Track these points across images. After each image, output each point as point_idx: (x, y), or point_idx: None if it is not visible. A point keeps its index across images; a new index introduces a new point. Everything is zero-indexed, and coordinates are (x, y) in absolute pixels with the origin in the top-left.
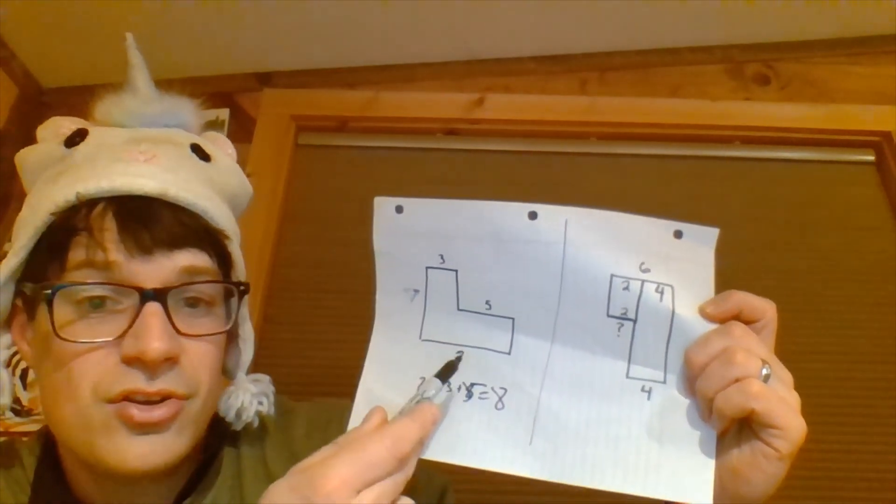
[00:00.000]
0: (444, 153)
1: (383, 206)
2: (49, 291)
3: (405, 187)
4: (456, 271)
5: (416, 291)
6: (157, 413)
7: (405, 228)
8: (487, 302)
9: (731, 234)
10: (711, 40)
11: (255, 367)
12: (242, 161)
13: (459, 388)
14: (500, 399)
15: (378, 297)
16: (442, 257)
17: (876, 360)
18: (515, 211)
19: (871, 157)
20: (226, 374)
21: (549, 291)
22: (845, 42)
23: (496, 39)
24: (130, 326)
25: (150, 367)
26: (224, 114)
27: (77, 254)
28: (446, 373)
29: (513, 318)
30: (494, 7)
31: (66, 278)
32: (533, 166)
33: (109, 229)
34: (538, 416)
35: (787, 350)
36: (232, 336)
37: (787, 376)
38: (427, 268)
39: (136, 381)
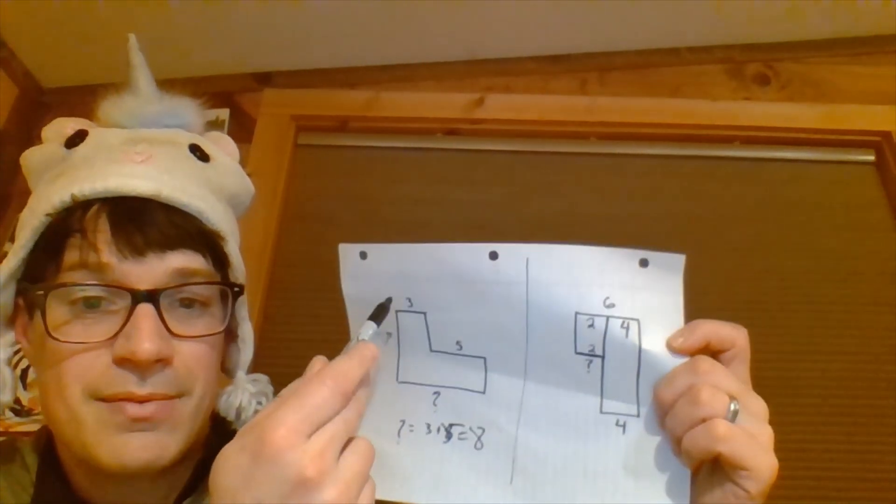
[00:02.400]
0: (444, 153)
1: (347, 253)
2: (41, 293)
3: (405, 187)
4: (425, 314)
5: (389, 335)
6: (150, 408)
7: (371, 273)
8: (458, 342)
9: (732, 234)
10: (711, 40)
11: (256, 366)
12: (242, 161)
13: (439, 430)
14: (479, 438)
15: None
16: (409, 301)
17: (876, 360)
18: (475, 252)
19: (871, 157)
20: (226, 373)
21: (516, 330)
22: (845, 42)
23: (496, 39)
24: (123, 327)
25: (140, 368)
26: (224, 114)
27: (71, 255)
28: (379, 314)
29: (484, 358)
30: (494, 7)
31: (60, 279)
32: (533, 166)
33: (103, 231)
34: (517, 455)
35: (787, 350)
36: (231, 336)
37: (760, 408)
38: (397, 311)
39: (128, 384)
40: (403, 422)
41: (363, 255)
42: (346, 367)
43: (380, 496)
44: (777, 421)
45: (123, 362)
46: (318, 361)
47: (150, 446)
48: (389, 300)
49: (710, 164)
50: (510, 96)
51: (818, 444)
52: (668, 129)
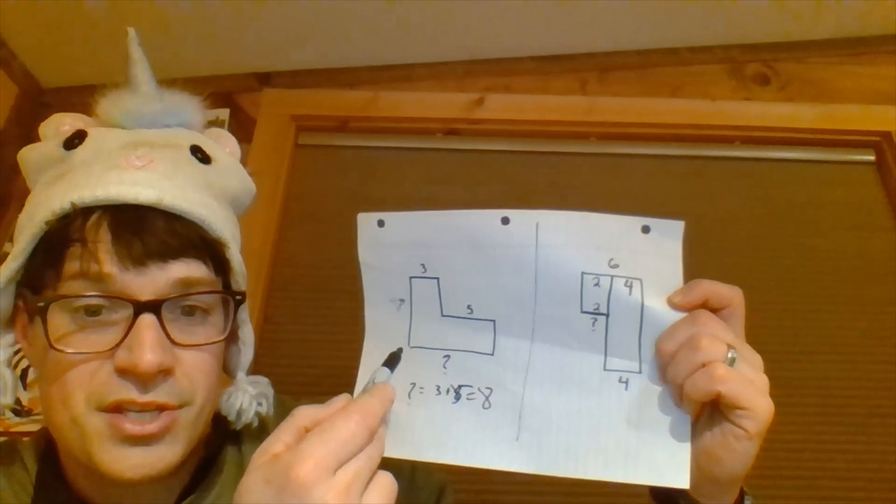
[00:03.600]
0: (444, 153)
1: (366, 222)
2: (42, 304)
3: (405, 187)
4: (437, 279)
5: (402, 301)
6: (150, 427)
7: (387, 241)
8: (469, 306)
9: (732, 234)
10: (711, 40)
11: (256, 367)
12: (242, 161)
13: (448, 391)
14: (487, 398)
15: (366, 309)
16: (423, 266)
17: (876, 360)
18: (488, 217)
19: (871, 157)
20: (227, 373)
21: (525, 292)
22: (845, 42)
23: (496, 39)
24: (124, 338)
25: (142, 379)
26: (224, 114)
27: (72, 265)
28: (392, 361)
29: (494, 321)
30: (494, 7)
31: (61, 289)
32: (533, 166)
33: (103, 241)
34: (523, 413)
35: (787, 350)
36: (233, 337)
37: (756, 359)
38: (410, 277)
39: (129, 392)
40: (414, 384)
41: (381, 224)
42: (371, 403)
43: (390, 455)
44: (777, 421)
45: (125, 373)
46: (343, 398)
47: (150, 460)
48: (401, 350)
49: (710, 164)
50: (510, 96)
51: (818, 444)
52: (668, 129)
